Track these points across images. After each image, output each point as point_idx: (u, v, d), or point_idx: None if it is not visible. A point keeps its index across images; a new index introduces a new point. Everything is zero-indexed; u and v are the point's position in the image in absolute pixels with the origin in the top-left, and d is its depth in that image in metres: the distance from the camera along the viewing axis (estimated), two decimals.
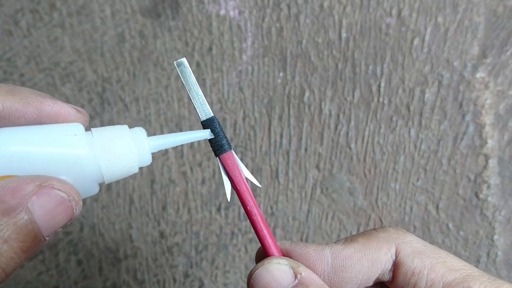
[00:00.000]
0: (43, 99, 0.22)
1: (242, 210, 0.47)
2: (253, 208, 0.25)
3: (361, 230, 0.48)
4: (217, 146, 0.25)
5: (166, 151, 0.47)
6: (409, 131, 0.46)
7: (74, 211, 0.21)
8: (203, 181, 0.48)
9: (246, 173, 0.26)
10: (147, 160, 0.23)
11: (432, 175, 0.47)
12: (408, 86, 0.45)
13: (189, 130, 0.47)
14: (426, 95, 0.45)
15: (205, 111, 0.25)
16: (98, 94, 0.46)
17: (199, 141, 0.47)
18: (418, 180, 0.47)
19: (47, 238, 0.20)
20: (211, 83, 0.46)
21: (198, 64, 0.46)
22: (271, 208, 0.48)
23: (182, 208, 0.48)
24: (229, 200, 0.26)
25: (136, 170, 0.23)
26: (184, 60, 0.25)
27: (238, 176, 0.25)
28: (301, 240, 0.49)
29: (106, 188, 0.48)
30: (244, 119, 0.47)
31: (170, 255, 0.48)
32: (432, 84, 0.45)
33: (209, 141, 0.26)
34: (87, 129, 0.23)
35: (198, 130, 0.25)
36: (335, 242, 0.26)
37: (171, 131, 0.47)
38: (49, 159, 0.20)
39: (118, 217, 0.48)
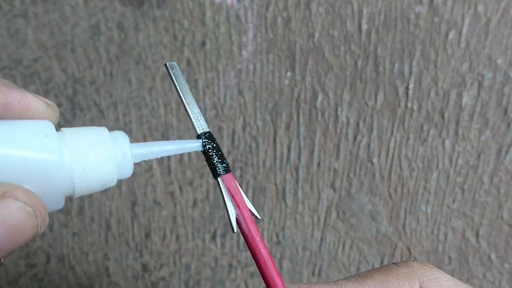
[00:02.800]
0: (9, 90, 0.22)
1: (242, 238, 0.47)
2: (259, 242, 0.25)
3: (386, 262, 0.48)
4: (218, 165, 0.26)
5: (150, 166, 0.46)
6: (443, 143, 0.46)
7: (39, 229, 0.21)
8: (194, 203, 0.47)
9: (246, 200, 0.26)
10: (127, 171, 0.23)
11: (471, 196, 0.46)
12: (442, 89, 0.45)
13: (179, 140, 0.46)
14: (464, 99, 0.45)
15: (201, 125, 0.26)
16: (68, 98, 0.46)
17: (190, 155, 0.47)
18: (454, 201, 0.46)
19: (2, 260, 0.20)
20: (205, 84, 0.46)
21: (188, 62, 0.45)
22: (277, 235, 0.48)
23: (170, 235, 0.48)
24: (235, 231, 0.26)
25: (114, 183, 0.23)
26: (175, 64, 0.26)
27: (242, 202, 0.25)
28: (313, 274, 0.49)
29: (78, 211, 0.47)
30: (244, 128, 0.46)
31: None
32: (471, 86, 0.45)
33: (207, 159, 0.26)
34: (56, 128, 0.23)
35: (189, 140, 0.25)
36: (345, 279, 0.26)
37: None
38: (11, 164, 0.20)
39: (92, 246, 0.48)
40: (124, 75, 0.46)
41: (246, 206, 0.25)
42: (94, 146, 0.22)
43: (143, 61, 0.45)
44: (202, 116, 0.26)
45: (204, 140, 0.26)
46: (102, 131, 0.23)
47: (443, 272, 0.25)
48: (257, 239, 0.25)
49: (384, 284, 0.25)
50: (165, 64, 0.26)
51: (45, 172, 0.21)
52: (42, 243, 0.48)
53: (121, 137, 0.23)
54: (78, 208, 0.47)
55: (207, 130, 0.26)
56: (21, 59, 0.45)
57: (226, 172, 0.26)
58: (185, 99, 0.26)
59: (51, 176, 0.21)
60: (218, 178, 0.26)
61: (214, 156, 0.26)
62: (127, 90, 0.46)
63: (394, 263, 0.26)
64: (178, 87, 0.26)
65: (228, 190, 0.26)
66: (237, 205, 0.25)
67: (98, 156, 0.22)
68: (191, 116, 0.26)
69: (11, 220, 0.19)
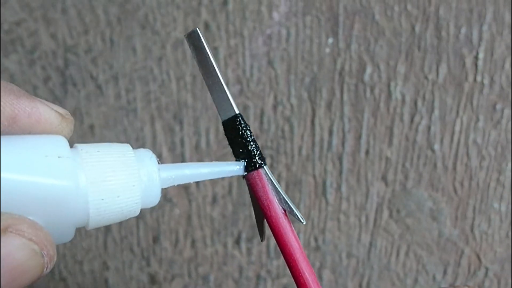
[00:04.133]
0: (17, 100, 0.22)
1: (273, 241, 0.47)
2: (297, 252, 0.26)
3: (449, 272, 0.49)
4: (246, 160, 0.27)
5: (160, 154, 0.47)
6: None
7: (45, 269, 0.21)
8: (214, 200, 0.48)
9: (284, 200, 0.27)
10: (153, 199, 0.24)
11: None
12: None
13: (194, 123, 0.47)
14: None
15: (227, 107, 0.27)
16: (58, 70, 0.46)
17: (208, 139, 0.47)
18: None
19: None
20: (227, 53, 0.46)
21: (207, 26, 0.45)
22: (316, 239, 0.48)
23: (183, 239, 0.48)
24: (262, 241, 0.28)
25: (137, 213, 0.24)
26: (197, 30, 0.26)
27: (269, 208, 0.26)
28: (360, 287, 0.50)
29: None
30: (275, 107, 0.46)
31: None
32: None
33: (233, 151, 0.27)
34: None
35: (229, 162, 0.26)
36: None
37: (167, 124, 0.47)
38: (17, 190, 0.20)
39: (88, 253, 0.48)
40: (127, 42, 0.46)
41: (277, 210, 0.26)
42: (115, 170, 0.23)
43: (151, 25, 0.46)
44: (231, 100, 0.27)
45: (247, 163, 0.27)
46: (126, 151, 0.23)
47: None
48: (296, 249, 0.26)
49: None
50: (185, 35, 0.27)
51: (56, 201, 0.21)
52: None
53: (148, 158, 0.24)
54: None
55: (236, 112, 0.27)
56: (0, 22, 0.46)
57: (253, 169, 0.26)
58: (209, 79, 0.26)
59: (63, 205, 0.21)
60: (249, 173, 0.26)
61: (248, 146, 0.27)
62: (131, 60, 0.46)
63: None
64: (198, 62, 0.27)
65: (254, 191, 0.26)
66: (263, 209, 0.26)
67: (119, 183, 0.23)
68: (215, 101, 0.27)
69: (13, 260, 0.20)
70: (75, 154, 0.22)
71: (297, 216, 0.26)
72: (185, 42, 0.28)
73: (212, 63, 0.27)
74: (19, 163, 0.21)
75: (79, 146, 0.23)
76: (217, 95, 0.27)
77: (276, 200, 0.27)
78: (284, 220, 0.26)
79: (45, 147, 0.22)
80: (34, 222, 0.21)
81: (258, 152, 0.27)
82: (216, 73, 0.27)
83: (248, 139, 0.27)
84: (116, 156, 0.23)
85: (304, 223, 0.26)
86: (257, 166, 0.27)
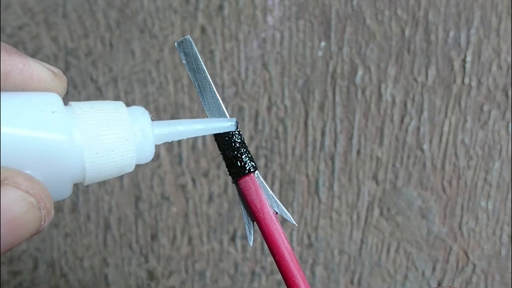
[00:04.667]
0: (9, 56, 0.22)
1: None
2: (289, 260, 0.26)
3: (438, 267, 0.49)
4: (235, 165, 0.27)
5: (158, 154, 0.47)
6: (507, 126, 0.46)
7: (43, 223, 0.21)
8: (210, 198, 0.48)
9: (275, 204, 0.27)
10: (148, 155, 0.24)
11: None
12: (505, 61, 0.45)
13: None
14: None
15: (219, 113, 0.27)
16: None
17: (204, 141, 0.47)
18: None
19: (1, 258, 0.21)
20: (222, 57, 0.46)
21: (203, 30, 0.46)
22: (309, 237, 0.48)
23: (180, 236, 0.48)
24: (251, 244, 0.27)
25: (132, 168, 0.24)
26: (188, 38, 0.27)
27: (260, 212, 0.26)
28: (352, 283, 0.50)
29: (71, 208, 0.48)
30: (269, 108, 0.47)
31: None
32: None
33: (223, 156, 0.27)
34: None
35: (220, 118, 0.26)
36: None
37: None
38: (12, 145, 0.20)
39: (88, 249, 0.48)
40: (126, 46, 0.46)
41: (268, 216, 0.26)
42: (109, 124, 0.22)
43: (149, 29, 0.46)
44: (223, 106, 0.27)
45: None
46: (119, 106, 0.23)
47: None
48: (287, 251, 0.26)
49: None
50: (176, 43, 0.27)
51: (51, 155, 0.21)
52: (29, 246, 0.49)
53: (141, 113, 0.24)
54: (71, 204, 0.48)
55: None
56: (3, 26, 0.46)
57: (243, 175, 0.26)
58: (202, 86, 0.27)
59: (59, 159, 0.21)
60: (240, 180, 0.26)
61: (240, 150, 0.27)
62: (130, 63, 0.46)
63: None
64: (188, 70, 0.27)
65: (245, 196, 0.26)
66: (254, 215, 0.26)
67: (113, 137, 0.22)
68: (207, 107, 0.27)
69: (11, 212, 0.20)
70: (69, 110, 0.22)
71: (289, 219, 0.27)
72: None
73: (204, 70, 0.27)
74: (13, 118, 0.21)
75: (73, 103, 0.23)
76: (209, 102, 0.27)
77: (268, 203, 0.26)
78: (276, 223, 0.26)
79: (39, 103, 0.22)
80: (31, 176, 0.21)
81: (249, 157, 0.27)
82: (208, 80, 0.27)
83: (239, 145, 0.27)
84: (109, 112, 0.23)
85: (296, 225, 0.26)
86: (251, 170, 0.27)
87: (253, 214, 0.26)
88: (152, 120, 0.24)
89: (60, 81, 0.23)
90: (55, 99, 0.22)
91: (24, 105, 0.21)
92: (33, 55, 0.46)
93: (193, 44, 0.26)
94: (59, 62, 0.46)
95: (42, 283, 0.48)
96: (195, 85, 0.27)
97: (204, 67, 0.26)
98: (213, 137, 0.27)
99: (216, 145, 0.27)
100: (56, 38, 0.46)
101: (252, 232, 0.27)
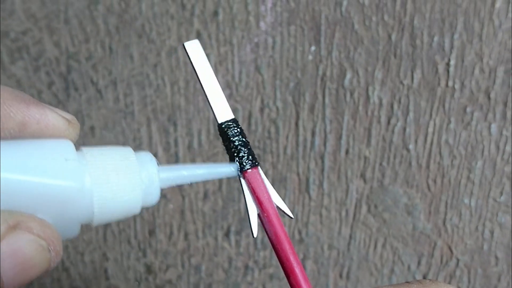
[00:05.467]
0: (27, 108, 0.23)
1: (260, 234, 0.47)
2: (289, 246, 0.26)
3: (423, 262, 0.50)
4: (242, 158, 0.27)
5: (155, 154, 0.48)
6: (489, 127, 0.47)
7: (51, 264, 0.21)
8: (205, 196, 0.48)
9: (275, 197, 0.27)
10: (153, 199, 0.24)
11: None
12: (487, 65, 0.46)
13: (187, 125, 0.48)
14: None
15: (225, 111, 0.27)
16: (61, 76, 0.47)
17: (199, 139, 0.48)
18: (501, 194, 0.48)
19: None
20: (217, 60, 0.47)
21: (199, 35, 0.46)
22: (300, 232, 0.49)
23: (177, 232, 0.49)
24: (255, 235, 0.27)
25: (138, 211, 0.24)
26: (197, 41, 0.27)
27: (267, 203, 0.26)
28: (340, 277, 0.50)
29: None
30: (262, 110, 0.47)
31: None
32: None
33: (229, 153, 0.27)
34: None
35: (223, 163, 0.26)
36: None
37: (162, 126, 0.48)
38: (27, 190, 0.21)
39: (88, 245, 0.49)
40: (125, 50, 0.47)
41: (272, 208, 0.26)
42: (118, 172, 0.23)
43: (147, 34, 0.46)
44: (225, 101, 0.27)
45: (245, 161, 0.26)
46: (128, 154, 0.24)
47: None
48: (288, 243, 0.26)
49: None
50: (184, 45, 0.27)
51: (63, 200, 0.22)
52: None
53: (148, 161, 0.24)
54: None
55: (232, 116, 0.27)
56: (7, 31, 0.46)
57: (248, 168, 0.26)
58: (205, 85, 0.27)
59: (70, 204, 0.22)
60: (245, 172, 0.26)
61: (240, 146, 0.27)
62: (129, 66, 0.47)
63: (407, 282, 0.27)
64: (197, 71, 0.27)
65: (252, 188, 0.26)
66: (260, 206, 0.26)
67: (122, 184, 0.23)
68: (212, 104, 0.27)
69: (21, 255, 0.20)
70: (80, 157, 0.23)
71: (286, 212, 0.27)
72: (182, 50, 0.28)
73: (211, 71, 0.27)
74: (28, 165, 0.21)
75: (84, 150, 0.23)
76: (215, 100, 0.27)
77: (271, 199, 0.26)
78: (278, 216, 0.26)
79: (53, 151, 0.22)
80: (43, 220, 0.21)
81: (252, 152, 0.27)
82: (215, 80, 0.27)
83: (244, 139, 0.27)
84: (119, 159, 0.23)
85: (292, 218, 0.26)
86: (256, 163, 0.27)
87: (260, 205, 0.26)
88: (158, 165, 0.24)
89: (73, 129, 0.24)
90: (68, 147, 0.23)
91: (39, 153, 0.22)
92: (36, 58, 0.47)
93: (201, 48, 0.27)
94: (61, 66, 0.47)
95: (46, 276, 0.48)
96: (201, 85, 0.27)
97: (211, 68, 0.27)
98: (218, 131, 0.27)
99: (217, 139, 0.27)
100: (58, 42, 0.47)
101: (256, 224, 0.27)
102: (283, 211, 0.27)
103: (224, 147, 0.27)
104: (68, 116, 0.24)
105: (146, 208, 0.47)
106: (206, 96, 0.27)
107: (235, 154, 0.27)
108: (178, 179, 0.25)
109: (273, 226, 0.26)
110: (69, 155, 0.22)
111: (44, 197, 0.21)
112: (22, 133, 0.23)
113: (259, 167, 0.27)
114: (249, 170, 0.26)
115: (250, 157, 0.27)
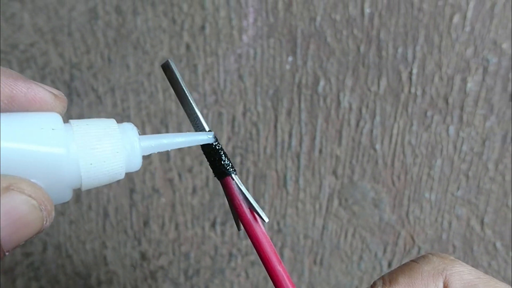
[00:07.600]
0: (14, 82, 0.23)
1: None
2: (264, 240, 0.28)
3: (389, 250, 0.51)
4: (218, 169, 0.28)
5: (149, 155, 0.49)
6: (448, 129, 0.48)
7: (44, 223, 0.22)
8: (194, 191, 0.50)
9: (252, 202, 0.28)
10: (136, 164, 0.25)
11: (476, 183, 0.49)
12: (446, 74, 0.46)
13: (177, 127, 0.49)
14: (468, 85, 0.46)
15: (201, 126, 0.28)
16: (65, 83, 0.48)
17: None
18: (458, 189, 0.49)
19: (7, 254, 0.21)
20: (204, 69, 0.47)
21: (188, 47, 0.47)
22: (278, 223, 0.51)
23: (168, 223, 0.50)
24: (239, 230, 0.28)
25: (122, 176, 0.25)
26: (169, 61, 0.28)
27: (241, 208, 0.28)
28: (315, 263, 0.51)
29: (75, 199, 0.49)
30: (244, 114, 0.48)
31: (154, 281, 0.50)
32: (476, 71, 0.46)
33: (209, 161, 0.28)
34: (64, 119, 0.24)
35: (200, 132, 0.27)
36: (372, 286, 0.27)
37: (155, 128, 0.49)
38: (18, 157, 0.21)
39: (89, 234, 0.49)
40: (122, 60, 0.47)
41: (246, 205, 0.27)
42: (101, 139, 0.24)
43: (141, 46, 0.47)
44: (201, 117, 0.28)
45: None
46: (110, 124, 0.25)
47: (465, 264, 0.27)
48: (266, 245, 0.27)
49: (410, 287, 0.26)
50: (161, 66, 0.28)
51: (51, 165, 0.22)
52: None
53: (129, 129, 0.25)
54: (75, 196, 0.49)
55: (206, 129, 0.28)
56: (17, 43, 0.47)
57: (225, 176, 0.27)
58: (183, 101, 0.28)
59: (58, 170, 0.22)
60: (225, 178, 0.27)
61: (221, 155, 0.28)
62: (125, 75, 0.48)
63: (413, 261, 0.28)
64: (175, 89, 0.28)
65: (233, 191, 0.27)
66: (239, 209, 0.27)
67: (105, 150, 0.24)
68: (191, 118, 0.28)
69: (16, 213, 0.21)
70: (68, 127, 0.23)
71: (261, 215, 0.27)
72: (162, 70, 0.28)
73: (185, 91, 0.28)
74: (18, 135, 0.21)
75: (72, 121, 0.24)
76: (192, 117, 0.28)
77: (244, 201, 0.27)
78: (252, 217, 0.27)
79: (41, 122, 0.23)
80: (33, 182, 0.22)
81: (228, 163, 0.28)
82: (190, 100, 0.28)
83: (219, 152, 0.28)
84: (102, 129, 0.24)
85: (266, 221, 0.27)
86: (229, 173, 0.28)
87: (235, 208, 0.28)
88: (139, 134, 0.25)
89: (60, 102, 0.24)
90: (55, 118, 0.23)
91: (28, 124, 0.22)
92: (43, 68, 0.48)
93: (174, 67, 0.28)
94: (64, 74, 0.48)
95: (50, 263, 0.49)
96: (180, 103, 0.28)
97: (184, 85, 0.28)
98: (200, 147, 0.28)
99: (202, 152, 0.28)
100: (62, 54, 0.48)
101: (238, 220, 0.28)
102: (259, 215, 0.27)
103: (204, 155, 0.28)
104: (55, 91, 0.25)
105: (138, 198, 0.49)
106: (184, 111, 0.28)
107: (214, 166, 0.28)
108: (158, 146, 0.26)
109: (247, 225, 0.28)
110: (56, 125, 0.23)
111: (34, 164, 0.22)
112: (11, 106, 0.23)
113: (232, 174, 0.28)
114: (225, 178, 0.28)
115: (226, 167, 0.28)
